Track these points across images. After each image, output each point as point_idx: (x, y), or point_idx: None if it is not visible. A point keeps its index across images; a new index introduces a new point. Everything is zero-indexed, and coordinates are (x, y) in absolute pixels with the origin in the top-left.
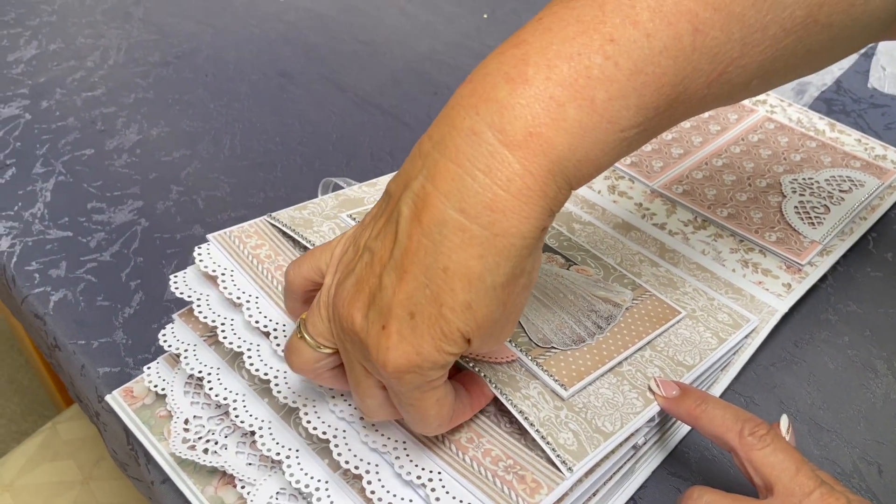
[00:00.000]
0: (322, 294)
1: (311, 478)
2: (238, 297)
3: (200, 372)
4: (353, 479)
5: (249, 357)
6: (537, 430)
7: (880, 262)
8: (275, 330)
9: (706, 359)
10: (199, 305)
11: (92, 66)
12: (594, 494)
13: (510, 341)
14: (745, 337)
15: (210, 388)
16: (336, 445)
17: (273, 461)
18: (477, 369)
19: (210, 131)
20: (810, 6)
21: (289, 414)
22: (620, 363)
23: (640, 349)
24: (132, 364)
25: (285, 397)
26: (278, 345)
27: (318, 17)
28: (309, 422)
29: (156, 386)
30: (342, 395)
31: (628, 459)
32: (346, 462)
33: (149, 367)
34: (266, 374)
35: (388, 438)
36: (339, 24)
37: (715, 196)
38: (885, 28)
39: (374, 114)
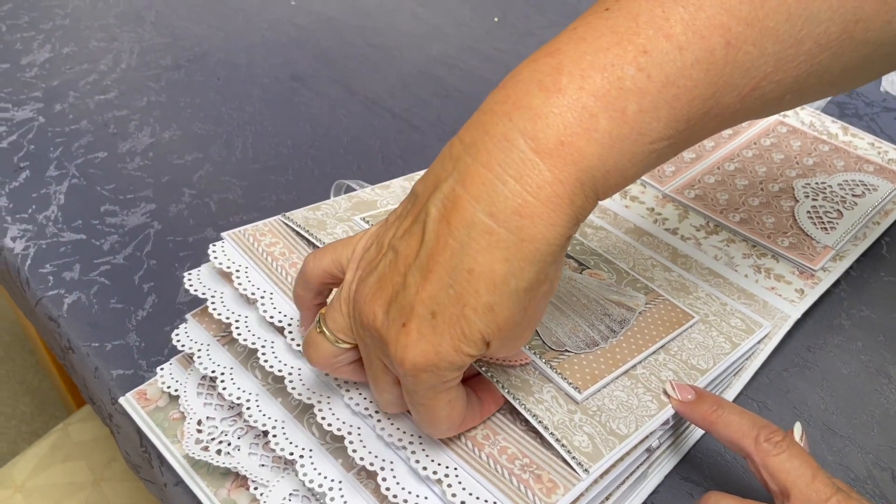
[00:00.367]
0: (343, 289)
1: (325, 478)
2: (252, 293)
3: (214, 372)
4: (367, 479)
5: (264, 354)
6: (552, 433)
7: (894, 267)
8: (289, 325)
9: (720, 363)
10: (213, 303)
11: (105, 70)
12: (608, 498)
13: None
14: (758, 342)
15: (223, 388)
16: (351, 442)
17: (286, 462)
18: (489, 374)
19: (222, 134)
20: (846, 22)
21: (302, 413)
22: (634, 367)
23: (653, 353)
24: (145, 366)
25: (300, 394)
26: (293, 339)
27: (329, 21)
28: (324, 418)
29: (169, 387)
30: (357, 389)
31: (642, 463)
32: (361, 459)
33: (162, 369)
34: (280, 371)
35: (405, 433)
36: (350, 28)
37: (727, 201)
38: None
39: (385, 117)
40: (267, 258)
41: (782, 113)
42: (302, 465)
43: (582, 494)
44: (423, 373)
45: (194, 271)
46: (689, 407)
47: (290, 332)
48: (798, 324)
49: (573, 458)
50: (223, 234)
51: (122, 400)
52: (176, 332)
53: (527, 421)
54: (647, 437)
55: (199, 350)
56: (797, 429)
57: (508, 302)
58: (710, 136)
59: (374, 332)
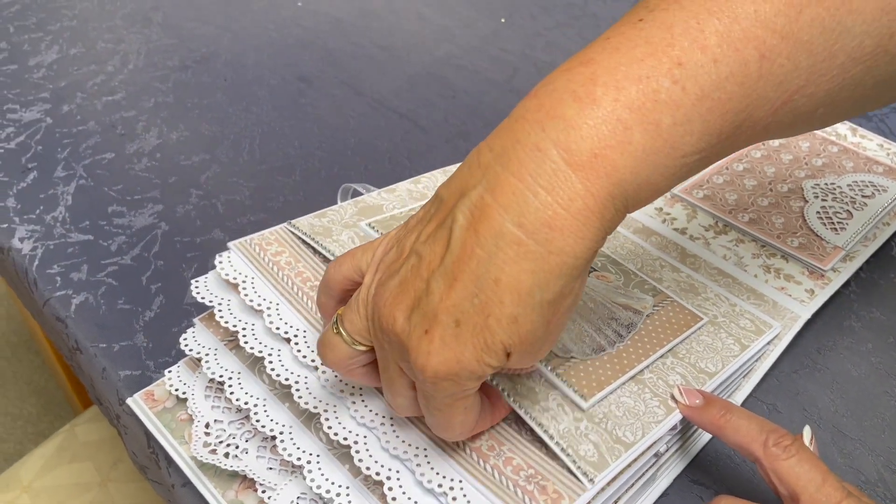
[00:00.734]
0: (361, 292)
1: (332, 483)
2: (259, 305)
3: (221, 376)
4: (374, 486)
5: (270, 362)
6: (557, 443)
7: None
8: (295, 336)
9: (728, 365)
10: (220, 310)
11: (112, 71)
12: (615, 502)
13: None
14: (768, 343)
15: (231, 393)
16: (357, 451)
17: (294, 466)
18: (494, 382)
19: (229, 135)
20: (880, 36)
21: (310, 419)
22: (641, 371)
23: (661, 357)
24: (153, 367)
25: (306, 402)
26: (299, 350)
27: (336, 22)
28: (330, 427)
29: (177, 390)
30: (363, 400)
31: (650, 467)
32: (368, 468)
33: (170, 371)
34: (287, 380)
35: (409, 445)
36: (357, 29)
37: (736, 201)
38: None
39: (392, 118)
40: (273, 268)
41: None
42: (309, 471)
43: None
44: (443, 381)
45: (201, 278)
46: (697, 412)
47: (297, 343)
48: (807, 325)
49: (579, 468)
50: (229, 245)
51: (129, 401)
52: (184, 336)
53: (532, 430)
54: (654, 443)
55: (207, 355)
56: (807, 432)
57: (533, 314)
58: (740, 149)
59: (393, 337)
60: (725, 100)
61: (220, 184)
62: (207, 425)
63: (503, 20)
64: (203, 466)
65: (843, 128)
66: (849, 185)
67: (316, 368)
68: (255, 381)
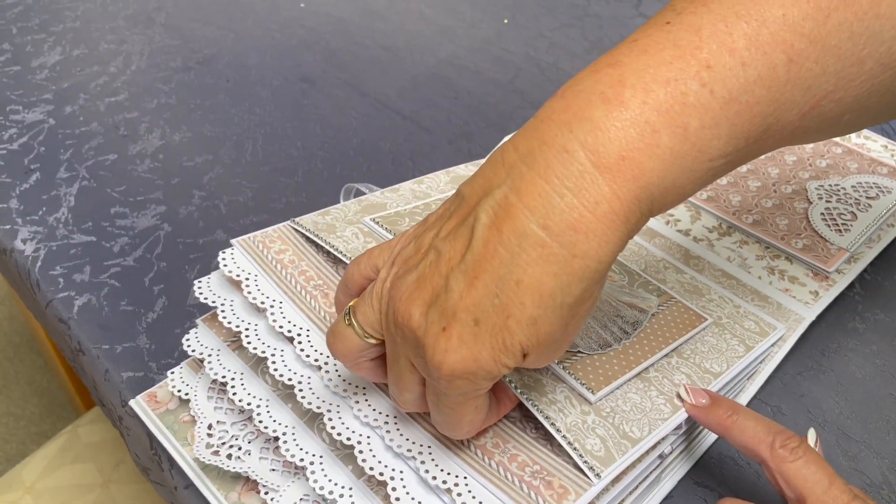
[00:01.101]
0: (376, 285)
1: (336, 484)
2: (262, 302)
3: (224, 377)
4: (378, 486)
5: (273, 362)
6: (564, 436)
7: None
8: (299, 335)
9: (733, 366)
10: (223, 310)
11: (115, 72)
12: (620, 503)
13: None
14: (772, 345)
15: (234, 394)
16: (360, 451)
17: (297, 467)
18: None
19: (232, 136)
20: None
21: (312, 420)
22: (647, 369)
23: (666, 355)
24: (155, 369)
25: (309, 403)
26: (302, 349)
27: (338, 23)
28: (333, 427)
29: (179, 391)
30: (367, 400)
31: (655, 468)
32: (371, 468)
33: (172, 372)
34: (290, 380)
35: (413, 443)
36: (360, 29)
37: (740, 202)
38: None
39: (395, 119)
40: (276, 266)
41: None
42: (312, 472)
43: (594, 500)
44: (458, 379)
45: (204, 279)
46: (703, 412)
47: (300, 342)
48: (812, 327)
49: (585, 462)
50: (232, 241)
51: (132, 402)
52: (186, 337)
53: (538, 428)
54: (659, 441)
55: (210, 355)
56: (811, 435)
57: (552, 317)
58: (763, 155)
59: (407, 332)
60: (753, 103)
61: (222, 185)
62: (210, 426)
63: (506, 21)
64: (206, 468)
65: None
66: (853, 187)
67: (319, 368)
68: (258, 382)
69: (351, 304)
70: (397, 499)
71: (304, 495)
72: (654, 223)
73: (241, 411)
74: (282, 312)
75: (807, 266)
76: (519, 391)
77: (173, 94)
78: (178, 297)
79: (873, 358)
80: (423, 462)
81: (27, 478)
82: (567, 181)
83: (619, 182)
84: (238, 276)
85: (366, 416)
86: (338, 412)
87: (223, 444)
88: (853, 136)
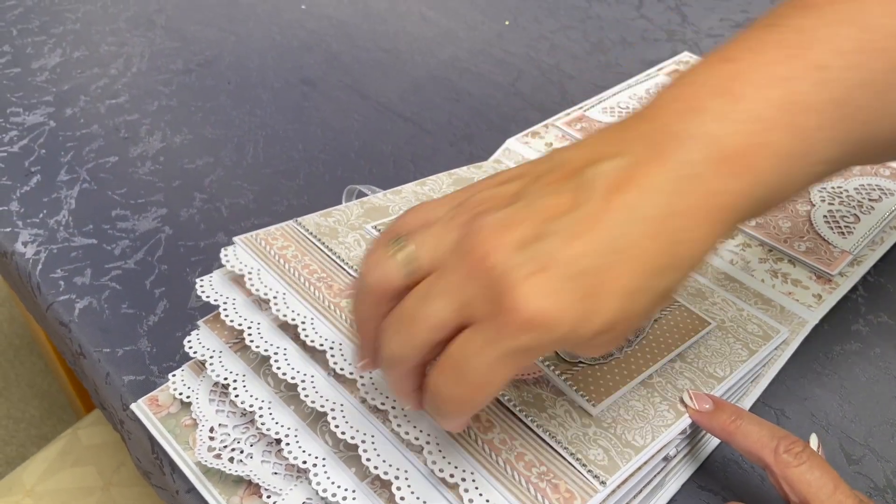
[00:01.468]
0: (443, 220)
1: (339, 487)
2: (265, 294)
3: (226, 379)
4: (381, 489)
5: (276, 361)
6: (566, 448)
7: None
8: (303, 323)
9: (737, 370)
10: (225, 309)
11: (115, 74)
12: None
13: None
14: (776, 349)
15: (236, 396)
16: (365, 451)
17: (299, 470)
18: (501, 391)
19: (233, 139)
20: None
21: (315, 421)
22: (650, 375)
23: (669, 361)
24: (157, 372)
25: (313, 401)
26: (307, 335)
27: (340, 25)
28: (337, 426)
29: (181, 394)
30: (374, 385)
31: (658, 472)
32: (376, 468)
33: (174, 375)
34: (293, 379)
35: (421, 431)
36: (361, 32)
37: None
38: None
39: (397, 121)
40: (279, 260)
41: None
42: (315, 474)
43: None
44: (531, 331)
45: (206, 277)
46: (706, 417)
47: (304, 329)
48: (815, 330)
49: (589, 471)
50: (235, 239)
51: (133, 406)
52: (188, 338)
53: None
54: (663, 447)
55: (212, 357)
56: (813, 440)
57: (642, 299)
58: (865, 164)
59: (483, 268)
60: (860, 108)
61: (223, 187)
62: (212, 429)
63: (507, 23)
64: (208, 472)
65: None
66: (856, 189)
67: (324, 352)
68: (260, 384)
69: (401, 234)
70: (402, 498)
71: (307, 499)
72: None
73: (243, 414)
74: (286, 303)
75: (810, 269)
76: (517, 409)
77: (174, 96)
78: (179, 300)
79: (877, 361)
80: (430, 453)
81: (27, 481)
82: (684, 168)
83: (732, 176)
84: (240, 270)
85: (373, 399)
86: (342, 411)
87: (225, 447)
88: None
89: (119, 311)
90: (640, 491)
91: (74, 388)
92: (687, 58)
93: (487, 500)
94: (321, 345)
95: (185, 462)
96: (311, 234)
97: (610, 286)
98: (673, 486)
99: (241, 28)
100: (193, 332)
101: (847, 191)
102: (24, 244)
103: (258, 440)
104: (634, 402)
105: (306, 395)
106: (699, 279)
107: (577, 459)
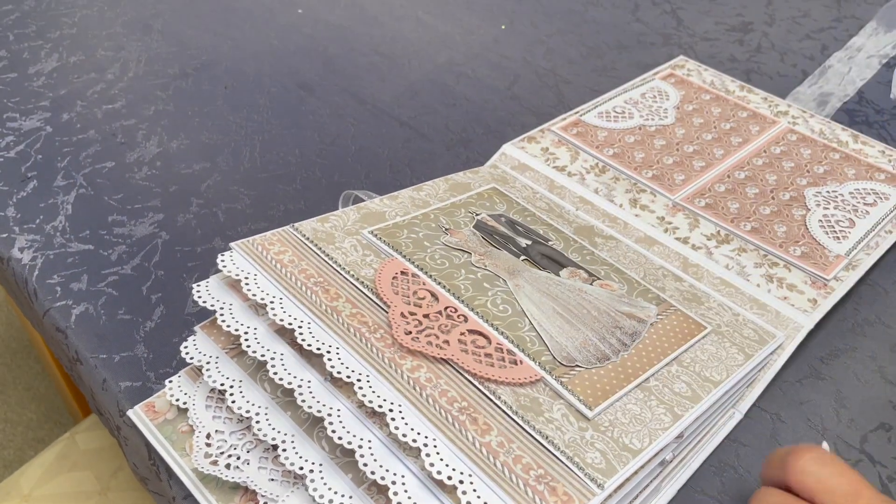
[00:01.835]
0: None
1: (335, 493)
2: (262, 299)
3: (223, 385)
4: (378, 494)
5: (273, 366)
6: (563, 452)
7: None
8: (300, 326)
9: (733, 375)
10: (221, 314)
11: (112, 79)
12: None
13: (534, 360)
14: (771, 353)
15: (232, 402)
16: (361, 455)
17: (296, 476)
18: (498, 393)
19: (230, 144)
20: None
21: (312, 427)
22: (647, 379)
23: (666, 365)
24: (153, 378)
25: (309, 406)
26: (304, 339)
27: (336, 29)
28: (334, 431)
29: (177, 400)
30: (371, 388)
31: (655, 477)
32: (372, 473)
33: (170, 381)
34: (290, 384)
35: (419, 434)
36: (358, 36)
37: (738, 209)
38: None
39: (393, 125)
40: (276, 265)
41: (792, 121)
42: (312, 480)
43: None
44: None
45: (203, 283)
46: None
47: (301, 333)
48: (811, 334)
49: (587, 474)
50: (231, 245)
51: (130, 412)
52: (184, 344)
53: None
54: (660, 450)
55: (208, 363)
56: (825, 447)
57: None
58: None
59: None
60: None
61: (220, 192)
62: (209, 436)
63: (504, 27)
64: (204, 479)
65: (844, 134)
66: (851, 193)
67: (321, 356)
68: (257, 390)
69: None
70: (399, 503)
71: None
72: (653, 231)
73: (240, 420)
74: (282, 307)
75: (805, 274)
76: (514, 413)
77: (171, 101)
78: (176, 305)
79: (872, 365)
80: (428, 455)
81: (25, 485)
82: None
83: None
84: (237, 275)
85: (370, 402)
86: (339, 416)
87: (221, 453)
88: (850, 141)
89: (116, 316)
90: (638, 495)
91: (72, 392)
92: (682, 62)
93: (485, 503)
94: (318, 349)
95: (181, 468)
96: (308, 239)
97: None
98: (670, 490)
99: (237, 33)
100: (190, 338)
101: (842, 195)
102: (21, 250)
103: (255, 446)
104: (631, 406)
105: (303, 401)
106: (695, 284)
107: (575, 463)
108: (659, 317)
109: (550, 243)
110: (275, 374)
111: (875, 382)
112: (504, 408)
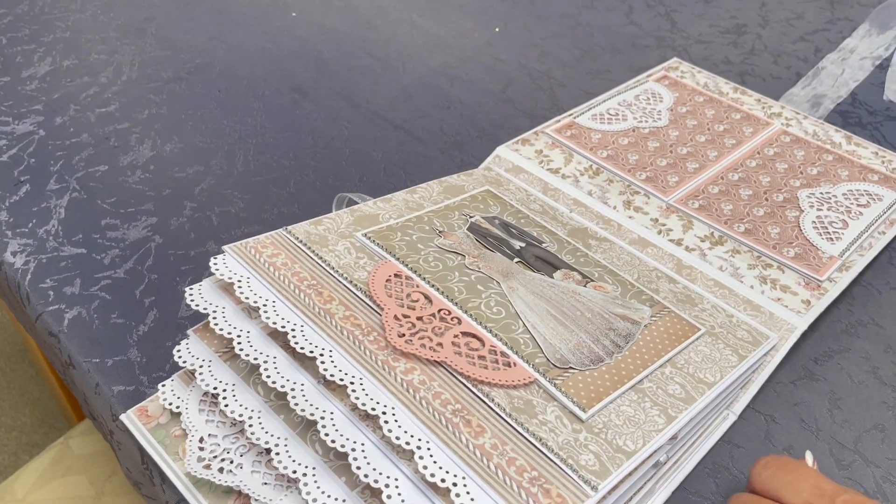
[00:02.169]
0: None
1: (329, 496)
2: (255, 302)
3: (215, 388)
4: (371, 498)
5: (266, 370)
6: (557, 453)
7: None
8: (293, 330)
9: (727, 376)
10: (214, 317)
11: (105, 82)
12: None
13: (527, 362)
14: (765, 354)
15: (225, 405)
16: (355, 459)
17: (289, 480)
18: (491, 396)
19: (223, 147)
20: None
21: (305, 430)
22: (641, 380)
23: (660, 367)
24: (146, 382)
25: (302, 409)
26: (297, 342)
27: (330, 33)
28: (327, 434)
29: (170, 404)
30: (364, 390)
31: (650, 478)
32: (366, 476)
33: (163, 385)
34: (283, 387)
35: (412, 437)
36: (352, 39)
37: (731, 211)
38: None
39: (387, 128)
40: (269, 268)
41: (785, 123)
42: (305, 484)
43: None
44: None
45: (195, 286)
46: None
47: (294, 336)
48: (804, 335)
49: (580, 476)
50: (224, 248)
51: (123, 417)
52: (177, 347)
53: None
54: (654, 452)
55: (201, 366)
56: (808, 457)
57: None
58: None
59: None
60: None
61: (214, 196)
62: (201, 440)
63: (497, 30)
64: (197, 483)
65: (837, 136)
66: (844, 194)
67: (314, 359)
68: (250, 393)
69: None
70: None
71: None
72: (647, 233)
73: (233, 424)
74: (275, 310)
75: (799, 275)
76: (507, 415)
77: (164, 104)
78: (169, 309)
79: (866, 365)
80: (421, 458)
81: (19, 490)
82: None
83: None
84: (230, 278)
85: (363, 405)
86: (332, 419)
87: (215, 457)
88: (844, 142)
89: (109, 320)
90: (632, 497)
91: (66, 396)
92: (676, 64)
93: None
94: (311, 351)
95: (174, 473)
96: (301, 242)
97: None
98: (664, 492)
99: (231, 36)
100: (183, 342)
101: (835, 196)
102: (14, 254)
103: (248, 450)
104: (626, 408)
105: (296, 404)
106: (689, 286)
107: (569, 465)
108: (653, 318)
109: (544, 245)
110: (268, 377)
111: (869, 383)
112: (498, 410)
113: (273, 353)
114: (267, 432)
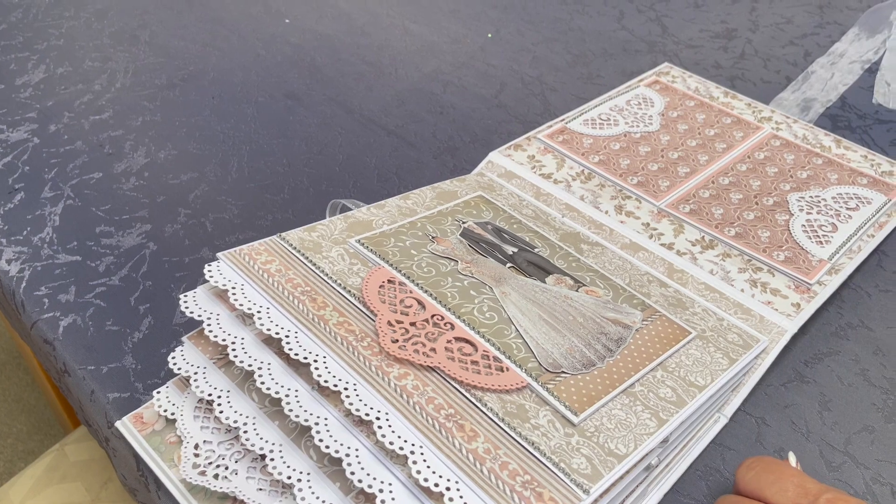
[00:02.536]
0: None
1: (323, 501)
2: (248, 308)
3: (210, 395)
4: (366, 502)
5: (260, 376)
6: (549, 457)
7: (889, 280)
8: (287, 337)
9: (718, 379)
10: (209, 324)
11: (99, 90)
12: None
13: (520, 367)
14: (756, 357)
15: (220, 412)
16: (349, 464)
17: (284, 485)
18: (484, 401)
19: (217, 154)
20: None
21: (300, 437)
22: (632, 384)
23: (651, 370)
24: (142, 389)
25: (297, 416)
26: (290, 349)
27: (323, 39)
28: (321, 440)
29: (165, 410)
30: (358, 395)
31: (641, 481)
32: (360, 481)
33: (158, 392)
34: (278, 393)
35: (406, 441)
36: (345, 46)
37: (722, 215)
38: None
39: (381, 134)
40: (263, 275)
41: (775, 126)
42: (300, 490)
43: None
44: None
45: (190, 293)
46: None
47: (288, 342)
48: (794, 338)
49: (572, 480)
50: (218, 255)
51: (118, 424)
52: (172, 354)
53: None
54: (646, 455)
55: (196, 373)
56: (791, 458)
57: None
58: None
59: None
60: None
61: (208, 202)
62: (197, 446)
63: (490, 35)
64: (193, 489)
65: (827, 139)
66: (833, 198)
67: (308, 365)
68: (245, 399)
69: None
70: None
71: None
72: (638, 237)
73: (228, 430)
74: (269, 317)
75: (788, 278)
76: (500, 419)
77: (158, 111)
78: (164, 316)
79: (855, 368)
80: (414, 462)
81: (14, 497)
82: None
83: None
84: (224, 285)
85: (357, 411)
86: (326, 425)
87: (210, 463)
88: (833, 146)
89: (103, 328)
90: (624, 500)
91: (61, 403)
92: (667, 69)
93: None
94: (305, 358)
95: (170, 479)
96: (295, 248)
97: None
98: (656, 494)
99: (224, 43)
100: (178, 349)
101: (825, 200)
102: (8, 262)
103: (243, 456)
104: (617, 411)
105: (290, 410)
106: (680, 289)
107: (561, 468)
108: (644, 322)
109: (536, 250)
110: (262, 383)
111: (858, 385)
112: (490, 415)
113: (267, 359)
114: (262, 438)
